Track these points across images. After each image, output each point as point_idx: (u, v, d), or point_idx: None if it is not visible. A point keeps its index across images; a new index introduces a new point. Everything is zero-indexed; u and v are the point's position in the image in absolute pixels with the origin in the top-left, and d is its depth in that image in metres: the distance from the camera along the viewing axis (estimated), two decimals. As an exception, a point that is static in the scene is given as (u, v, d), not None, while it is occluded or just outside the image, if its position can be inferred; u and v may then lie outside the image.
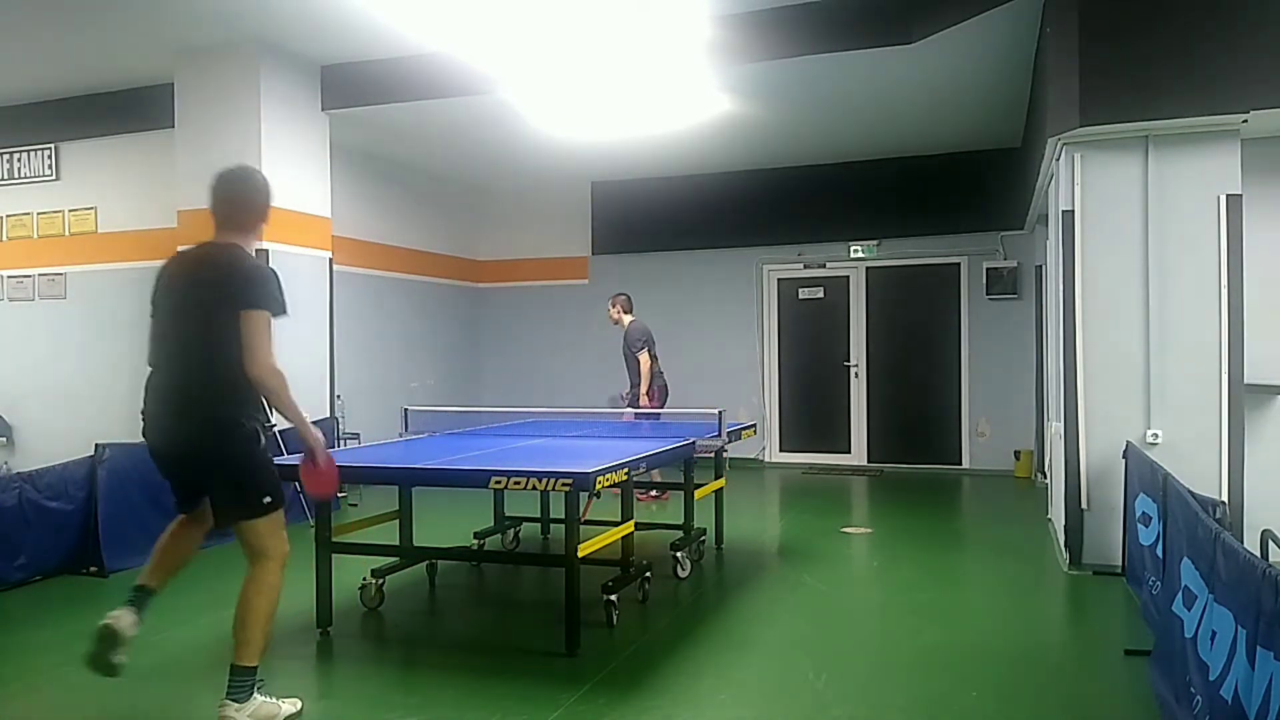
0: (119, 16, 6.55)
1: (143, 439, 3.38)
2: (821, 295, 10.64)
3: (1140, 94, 5.13)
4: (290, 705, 3.37)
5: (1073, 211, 5.45)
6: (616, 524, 4.62)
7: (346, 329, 8.73)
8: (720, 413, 5.66)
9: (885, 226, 10.22)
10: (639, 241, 11.03)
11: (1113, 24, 5.21)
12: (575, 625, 4.06)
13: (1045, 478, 8.00)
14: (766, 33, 6.48)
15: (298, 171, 7.56)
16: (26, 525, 5.34)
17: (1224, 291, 5.18)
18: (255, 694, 3.27)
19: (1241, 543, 2.59)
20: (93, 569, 5.53)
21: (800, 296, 10.72)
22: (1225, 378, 5.18)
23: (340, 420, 8.10)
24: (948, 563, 6.04)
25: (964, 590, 5.43)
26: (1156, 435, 5.27)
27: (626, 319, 8.12)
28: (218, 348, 3.22)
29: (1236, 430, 5.16)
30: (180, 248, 3.61)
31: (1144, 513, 4.52)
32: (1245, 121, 5.10)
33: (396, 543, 5.07)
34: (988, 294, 9.82)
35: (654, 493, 7.71)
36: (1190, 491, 3.49)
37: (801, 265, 10.67)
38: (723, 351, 10.79)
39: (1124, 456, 5.14)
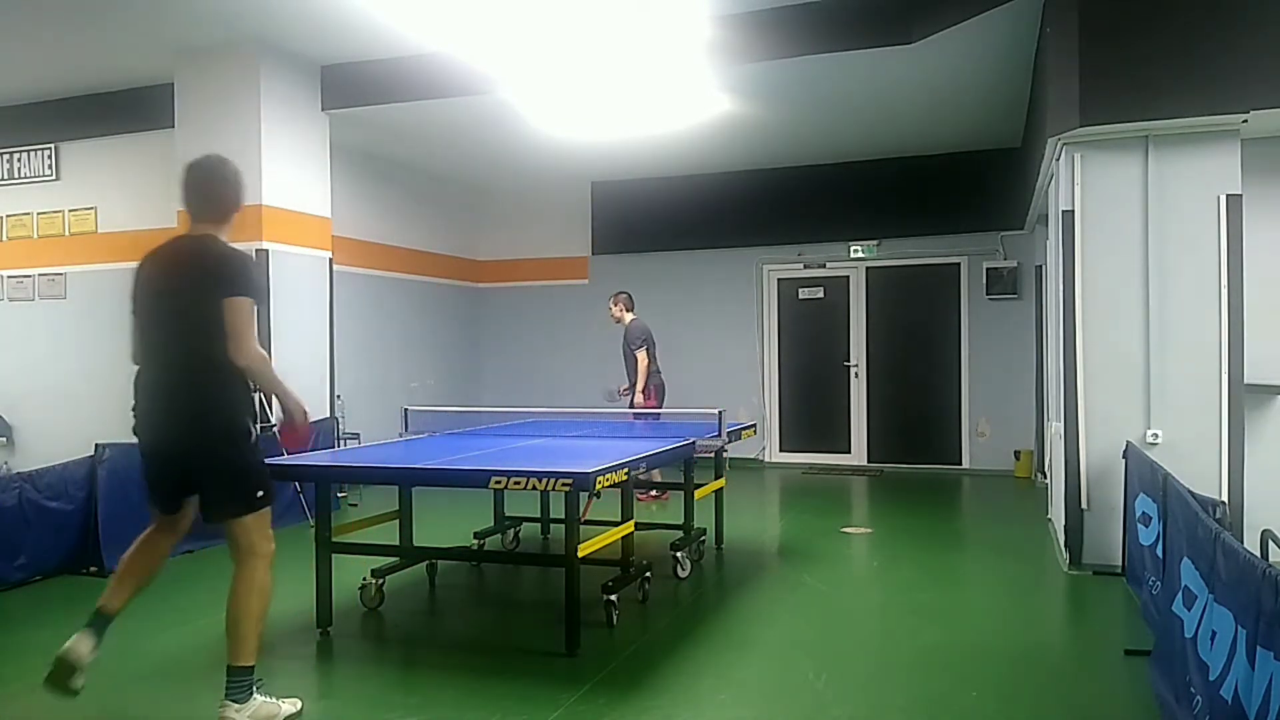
0: (119, 16, 6.55)
1: (134, 437, 3.37)
2: (821, 295, 10.64)
3: (1140, 94, 5.13)
4: (290, 705, 3.36)
5: (1073, 211, 5.45)
6: (616, 524, 4.62)
7: (346, 329, 8.73)
8: (720, 413, 5.65)
9: (885, 226, 10.22)
10: (639, 241, 11.03)
11: (1113, 24, 5.21)
12: (575, 625, 4.06)
13: (1045, 478, 8.00)
14: (766, 33, 6.48)
15: (298, 171, 7.56)
16: (26, 525, 5.34)
17: (1224, 291, 5.18)
18: (255, 694, 3.27)
19: (1241, 543, 2.59)
20: (93, 569, 5.53)
21: (800, 296, 10.72)
22: (1225, 378, 5.18)
23: (340, 420, 8.10)
24: (948, 563, 6.04)
25: (964, 590, 5.43)
26: (1156, 435, 5.27)
27: (628, 317, 8.13)
28: (205, 341, 3.20)
29: (1236, 430, 5.16)
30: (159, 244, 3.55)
31: (1144, 513, 4.52)
32: (1245, 121, 5.10)
33: (396, 543, 5.06)
34: (988, 294, 9.82)
35: (654, 493, 7.71)
36: (1190, 491, 3.49)
37: (801, 265, 10.67)
38: (723, 351, 10.79)
39: (1124, 456, 5.14)
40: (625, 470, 4.21)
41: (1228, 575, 2.56)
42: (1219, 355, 5.19)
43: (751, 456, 10.48)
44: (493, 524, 6.09)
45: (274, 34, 7.01)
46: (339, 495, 7.64)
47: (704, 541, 5.99)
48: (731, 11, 6.41)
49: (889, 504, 8.29)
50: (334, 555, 4.49)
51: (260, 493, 3.33)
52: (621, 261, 10.98)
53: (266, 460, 3.51)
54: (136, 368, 3.38)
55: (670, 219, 10.85)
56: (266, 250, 7.19)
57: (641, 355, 7.91)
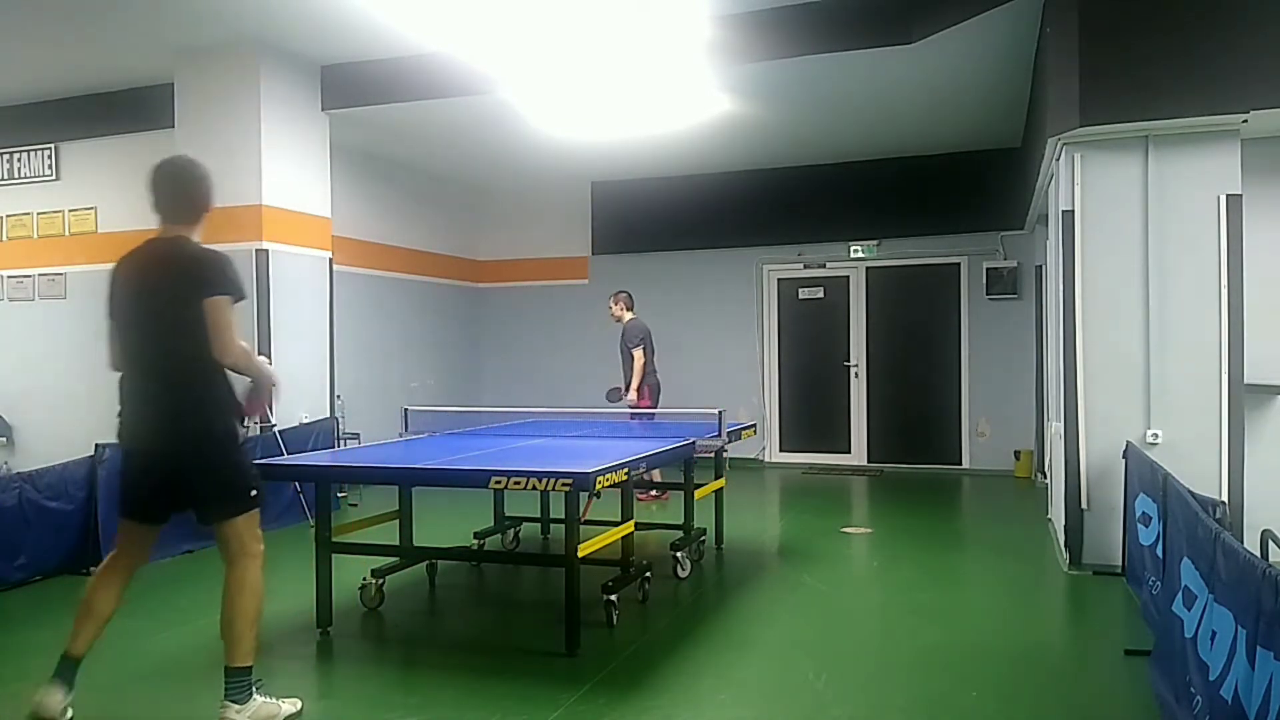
0: (119, 16, 6.55)
1: (119, 443, 3.34)
2: (821, 295, 10.64)
3: (1140, 94, 5.13)
4: (290, 705, 3.36)
5: (1073, 211, 5.45)
6: (616, 524, 4.62)
7: (346, 329, 8.73)
8: (720, 413, 5.66)
9: (885, 226, 10.21)
10: (639, 241, 11.03)
11: (1113, 24, 5.21)
12: (575, 625, 4.06)
13: (1045, 478, 8.00)
14: (766, 33, 6.48)
15: (298, 171, 7.56)
16: (26, 525, 5.34)
17: (1224, 291, 5.18)
18: (255, 694, 3.27)
19: (1241, 543, 2.59)
20: (93, 569, 5.45)
21: (800, 296, 10.72)
22: (1225, 378, 5.18)
23: (340, 420, 8.10)
24: (948, 563, 6.04)
25: (964, 590, 5.43)
26: (1156, 435, 5.27)
27: (627, 316, 8.13)
28: (188, 343, 3.19)
29: (1236, 430, 5.16)
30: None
31: (1144, 513, 4.52)
32: (1245, 121, 5.10)
33: (396, 543, 5.06)
34: (988, 294, 9.82)
35: (654, 492, 7.70)
36: (1190, 491, 3.49)
37: (801, 265, 10.67)
38: (723, 351, 10.79)
39: (1124, 456, 5.14)
40: (625, 470, 4.21)
41: (1228, 575, 2.56)
42: (1219, 355, 5.19)
43: (751, 456, 10.48)
44: (493, 524, 6.09)
45: (274, 34, 7.01)
46: (339, 495, 7.64)
47: (704, 541, 5.99)
48: (731, 11, 6.41)
49: (889, 504, 8.28)
50: (334, 555, 4.49)
51: (253, 492, 3.33)
52: (621, 261, 10.98)
53: (266, 461, 3.51)
54: (120, 375, 3.35)
55: (670, 219, 10.85)
56: (266, 250, 7.19)
57: (636, 354, 7.92)
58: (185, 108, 7.42)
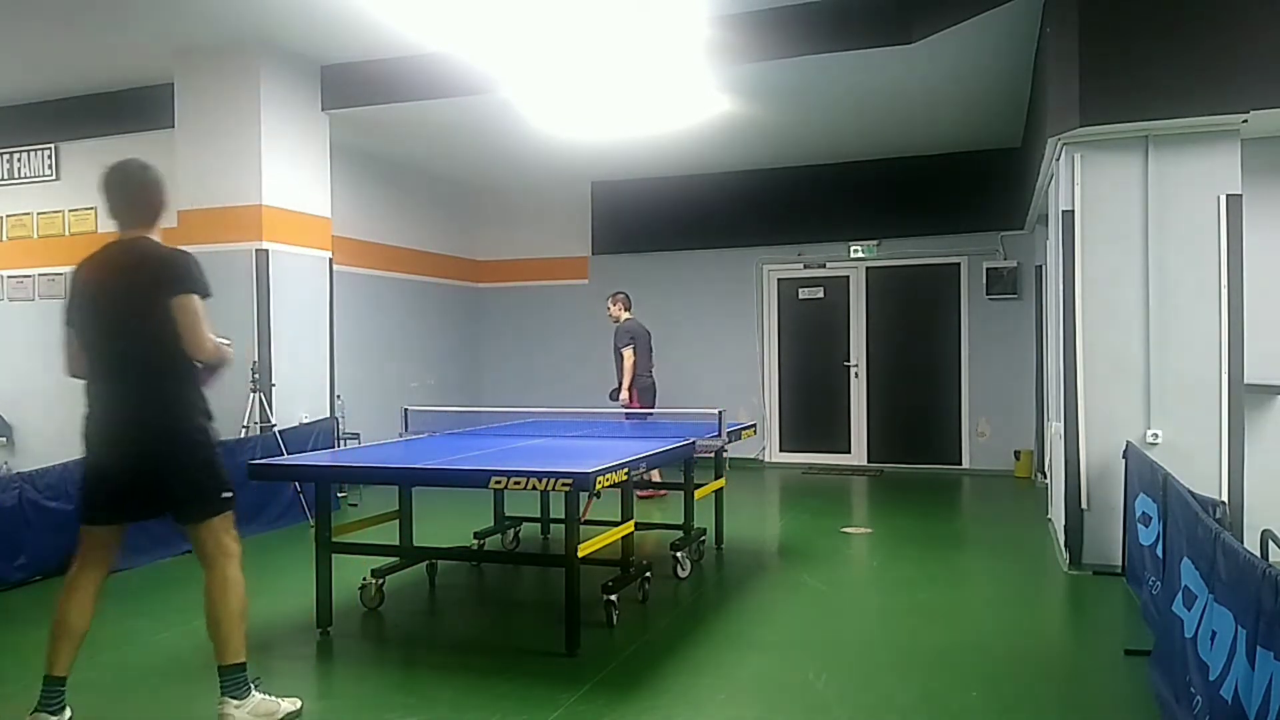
0: (119, 16, 6.56)
1: (85, 446, 3.27)
2: (821, 295, 10.64)
3: (1140, 94, 5.13)
4: (290, 704, 3.36)
5: (1073, 211, 5.45)
6: (616, 524, 4.62)
7: (346, 329, 8.73)
8: (720, 413, 5.66)
9: (885, 226, 10.21)
10: (639, 241, 11.03)
11: (1113, 24, 5.21)
12: (575, 625, 4.05)
13: (1045, 478, 8.00)
14: (766, 33, 6.48)
15: (298, 171, 7.56)
16: (26, 525, 5.34)
17: (1224, 291, 5.18)
18: (254, 691, 3.28)
19: (1241, 543, 2.59)
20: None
21: (800, 296, 10.72)
22: (1225, 378, 5.18)
23: (340, 420, 8.10)
24: (948, 563, 6.04)
25: (964, 590, 5.43)
26: (1156, 435, 5.27)
27: (624, 316, 8.13)
28: (159, 345, 3.17)
29: (1236, 430, 5.16)
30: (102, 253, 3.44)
31: (1144, 513, 4.52)
32: (1245, 121, 5.10)
33: (396, 543, 5.06)
34: (988, 294, 9.82)
35: (649, 491, 7.70)
36: (1190, 491, 3.49)
37: (801, 265, 10.67)
38: (723, 352, 10.79)
39: (1124, 456, 5.14)
40: (625, 470, 4.21)
41: (1228, 575, 2.56)
42: (1219, 355, 5.18)
43: (751, 456, 10.48)
44: (493, 524, 6.09)
45: (274, 34, 7.01)
46: (339, 495, 7.64)
47: (704, 541, 5.99)
48: (731, 11, 6.41)
49: (889, 504, 8.28)
50: (334, 555, 4.48)
51: (227, 494, 3.30)
52: (621, 261, 10.98)
53: (266, 461, 3.50)
54: (86, 381, 3.29)
55: (670, 219, 10.85)
56: (267, 250, 7.19)
57: (627, 354, 7.92)
58: (185, 108, 7.42)
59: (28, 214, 8.80)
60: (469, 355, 11.60)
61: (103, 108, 8.24)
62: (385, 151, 9.63)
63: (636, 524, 4.78)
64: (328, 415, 7.66)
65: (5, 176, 8.84)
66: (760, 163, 10.23)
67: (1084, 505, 5.48)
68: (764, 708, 3.52)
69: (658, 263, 10.96)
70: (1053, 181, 6.15)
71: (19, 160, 8.79)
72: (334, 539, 4.56)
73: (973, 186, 9.75)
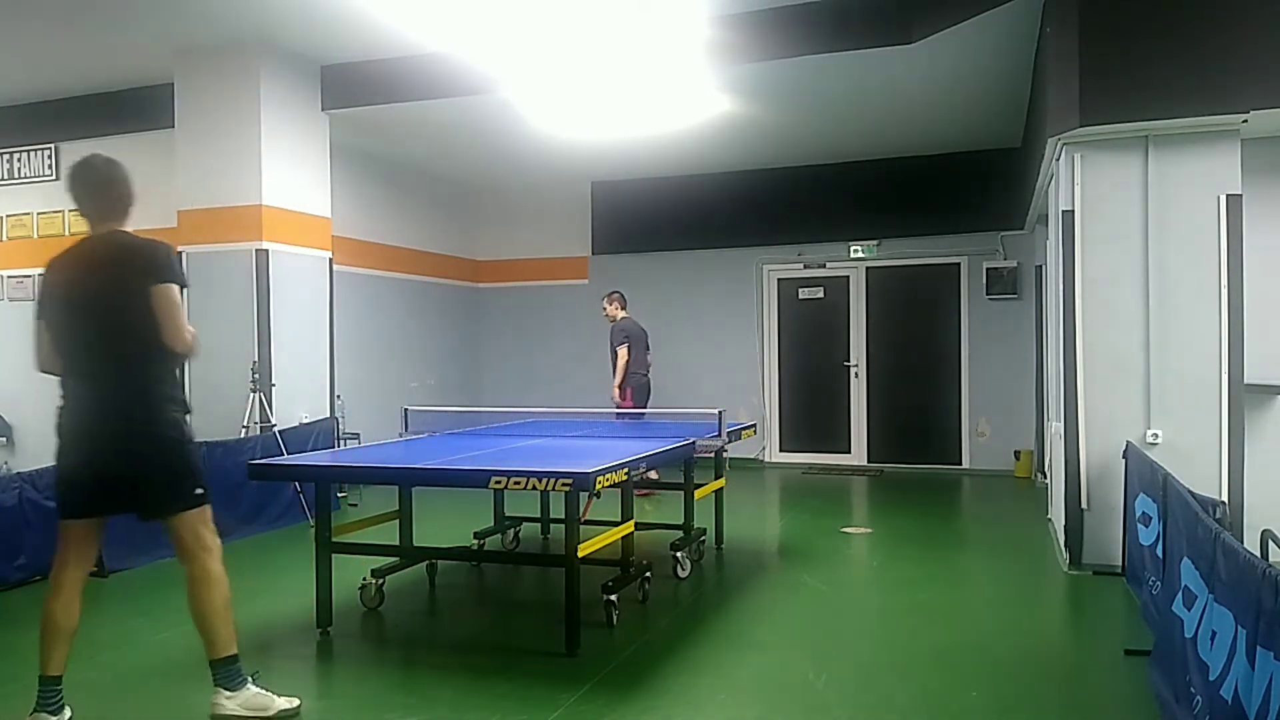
0: (119, 16, 6.56)
1: (59, 440, 3.27)
2: (821, 295, 10.64)
3: (1140, 94, 5.13)
4: (286, 702, 3.37)
5: (1073, 211, 5.45)
6: (616, 524, 4.62)
7: (346, 329, 8.73)
8: (720, 413, 5.66)
9: (885, 226, 10.21)
10: (639, 241, 11.03)
11: (1113, 24, 5.21)
12: (575, 625, 4.05)
13: (1045, 478, 8.00)
14: (766, 33, 6.48)
15: (298, 171, 7.56)
16: (26, 525, 5.34)
17: (1224, 291, 5.18)
18: (250, 684, 3.29)
19: (1241, 543, 2.59)
20: (93, 569, 5.51)
21: (800, 296, 10.72)
22: (1225, 378, 5.18)
23: (340, 420, 8.11)
24: (948, 563, 6.04)
25: (964, 590, 5.43)
26: (1156, 435, 5.27)
27: (620, 315, 8.14)
28: (136, 337, 3.17)
29: (1236, 430, 5.16)
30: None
31: (1144, 513, 4.52)
32: (1245, 121, 5.10)
33: (396, 543, 5.06)
34: (988, 294, 9.82)
35: (646, 490, 7.69)
36: (1190, 491, 3.49)
37: (801, 265, 10.67)
38: (723, 352, 10.79)
39: (1124, 456, 5.14)
40: (625, 470, 4.21)
41: (1228, 575, 2.56)
42: (1219, 355, 5.18)
43: (751, 456, 10.48)
44: (493, 524, 6.09)
45: (274, 34, 7.01)
46: (339, 495, 7.64)
47: (704, 541, 5.99)
48: (731, 11, 6.41)
49: (889, 504, 8.28)
50: (334, 555, 4.48)
51: (199, 490, 3.30)
52: (621, 261, 10.98)
53: (266, 461, 3.50)
54: (63, 377, 3.30)
55: (670, 219, 10.85)
56: (267, 250, 7.19)
57: (621, 352, 7.93)
58: (185, 108, 7.42)
59: (28, 214, 8.80)
60: (469, 355, 11.60)
61: (103, 108, 8.24)
62: (385, 151, 9.63)
63: (636, 524, 4.78)
64: (328, 415, 7.66)
65: (5, 176, 8.84)
66: (760, 163, 10.23)
67: (1084, 505, 5.48)
68: (764, 708, 3.52)
69: (658, 263, 10.96)
70: (1053, 181, 6.15)
71: (19, 160, 8.79)
72: (334, 539, 4.56)
73: (973, 186, 9.75)
